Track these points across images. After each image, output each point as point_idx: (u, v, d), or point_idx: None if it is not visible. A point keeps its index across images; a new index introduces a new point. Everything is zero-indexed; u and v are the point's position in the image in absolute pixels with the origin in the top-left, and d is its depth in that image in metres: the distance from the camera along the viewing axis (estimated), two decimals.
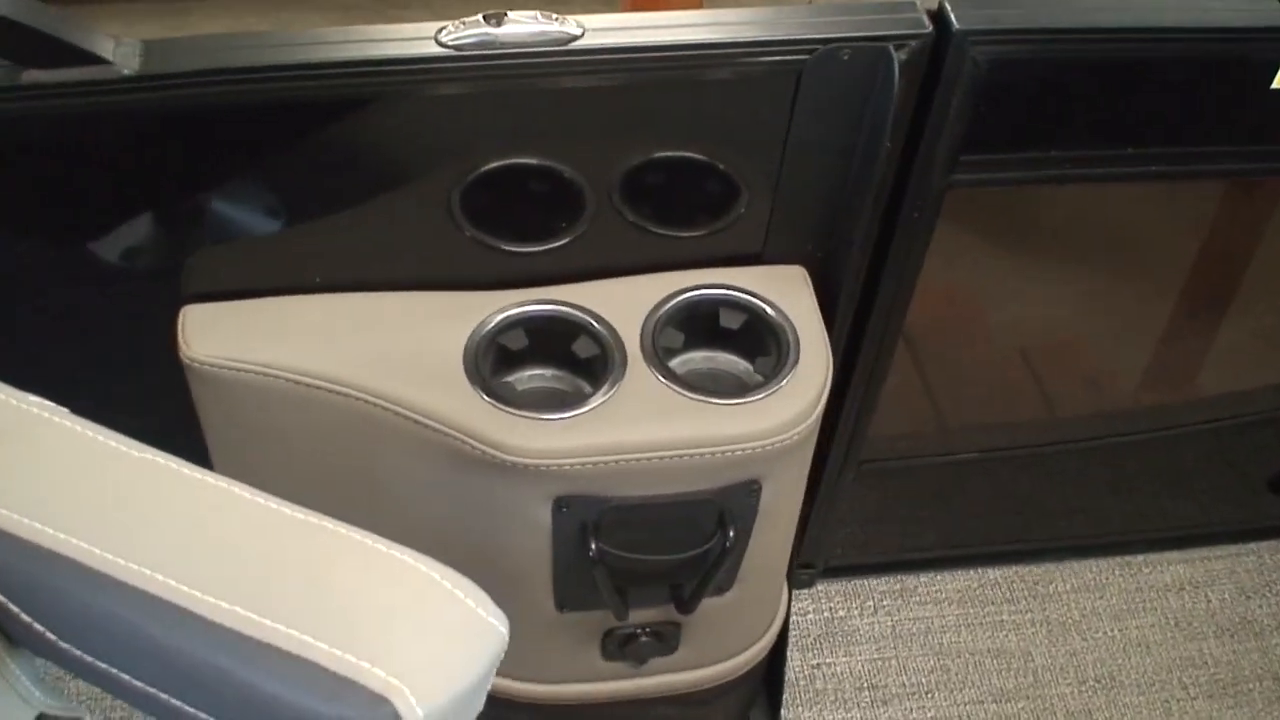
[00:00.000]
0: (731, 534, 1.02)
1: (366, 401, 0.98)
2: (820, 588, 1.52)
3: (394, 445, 1.00)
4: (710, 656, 1.24)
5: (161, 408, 1.02)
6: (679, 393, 0.99)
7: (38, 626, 0.65)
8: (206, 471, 0.68)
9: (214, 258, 1.02)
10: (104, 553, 0.63)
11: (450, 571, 0.64)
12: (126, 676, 0.65)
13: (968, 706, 1.44)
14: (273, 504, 0.66)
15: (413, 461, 1.01)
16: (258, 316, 1.01)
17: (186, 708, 0.64)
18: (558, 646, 1.18)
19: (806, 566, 1.49)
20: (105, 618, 0.63)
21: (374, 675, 0.59)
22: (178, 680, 0.63)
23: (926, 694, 1.44)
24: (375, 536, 0.65)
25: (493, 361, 1.02)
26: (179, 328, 1.00)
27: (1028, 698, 1.45)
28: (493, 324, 1.01)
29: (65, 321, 1.05)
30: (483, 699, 0.67)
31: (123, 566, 0.62)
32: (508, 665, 1.21)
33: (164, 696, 0.65)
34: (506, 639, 0.64)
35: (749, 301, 1.03)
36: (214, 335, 1.00)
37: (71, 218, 0.97)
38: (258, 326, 1.01)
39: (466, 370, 0.99)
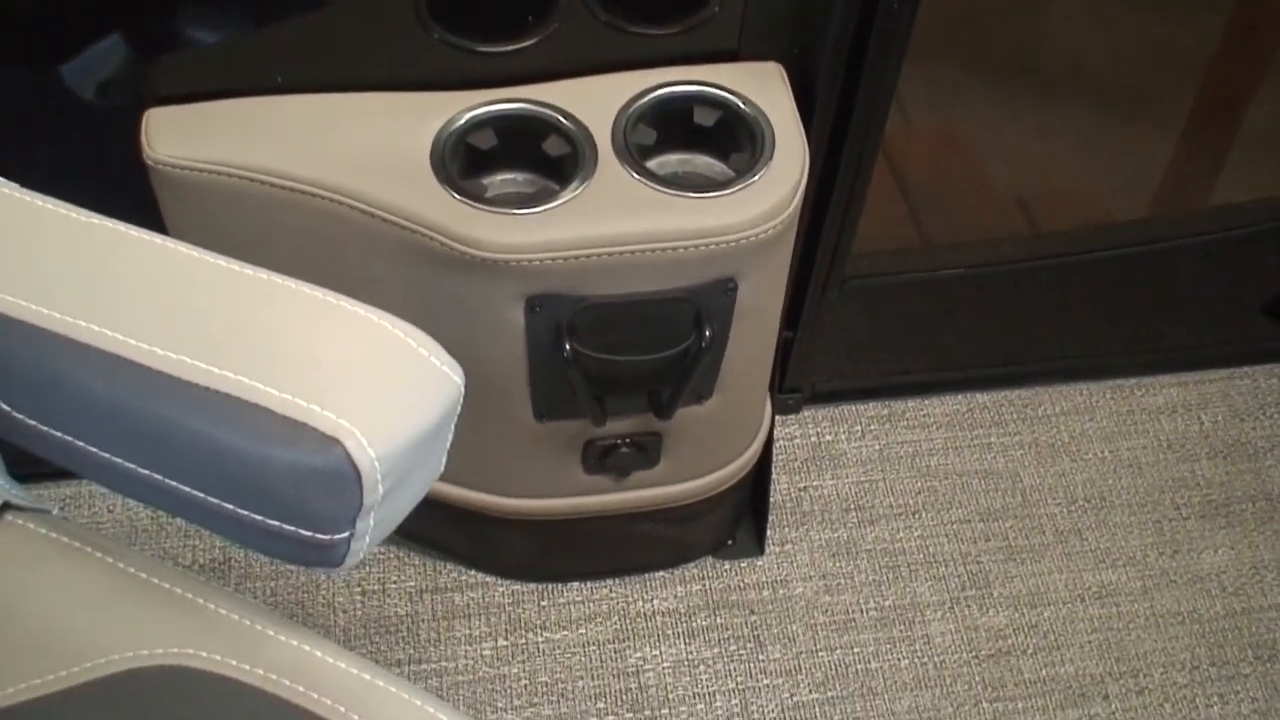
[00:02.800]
0: (708, 334, 1.02)
1: (333, 200, 0.98)
2: (807, 413, 1.53)
3: (362, 247, 1.00)
4: (692, 471, 1.25)
5: (127, 218, 1.02)
6: (651, 187, 0.98)
7: None
8: (155, 233, 0.68)
9: (177, 60, 1.01)
10: (49, 310, 0.63)
11: (402, 322, 0.64)
12: (81, 444, 0.66)
13: (955, 525, 1.45)
14: (221, 261, 0.66)
15: (382, 263, 1.01)
16: (222, 117, 1.01)
17: (141, 470, 0.65)
18: (539, 459, 1.19)
19: (793, 391, 1.50)
20: (54, 378, 0.63)
21: (324, 418, 0.60)
22: (130, 440, 0.64)
23: (914, 514, 1.46)
24: (325, 290, 0.65)
25: (462, 163, 1.01)
26: (142, 130, 1.00)
27: (1016, 517, 1.46)
28: (461, 122, 1.01)
29: (27, 129, 1.05)
30: (441, 457, 0.68)
31: (68, 323, 0.63)
32: (492, 480, 1.23)
33: (119, 461, 0.65)
34: (461, 389, 0.65)
35: (723, 97, 1.03)
36: (177, 136, 0.99)
37: (32, 23, 0.96)
38: (222, 127, 1.00)
39: (434, 169, 0.98)
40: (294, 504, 0.61)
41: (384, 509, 0.63)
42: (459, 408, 0.65)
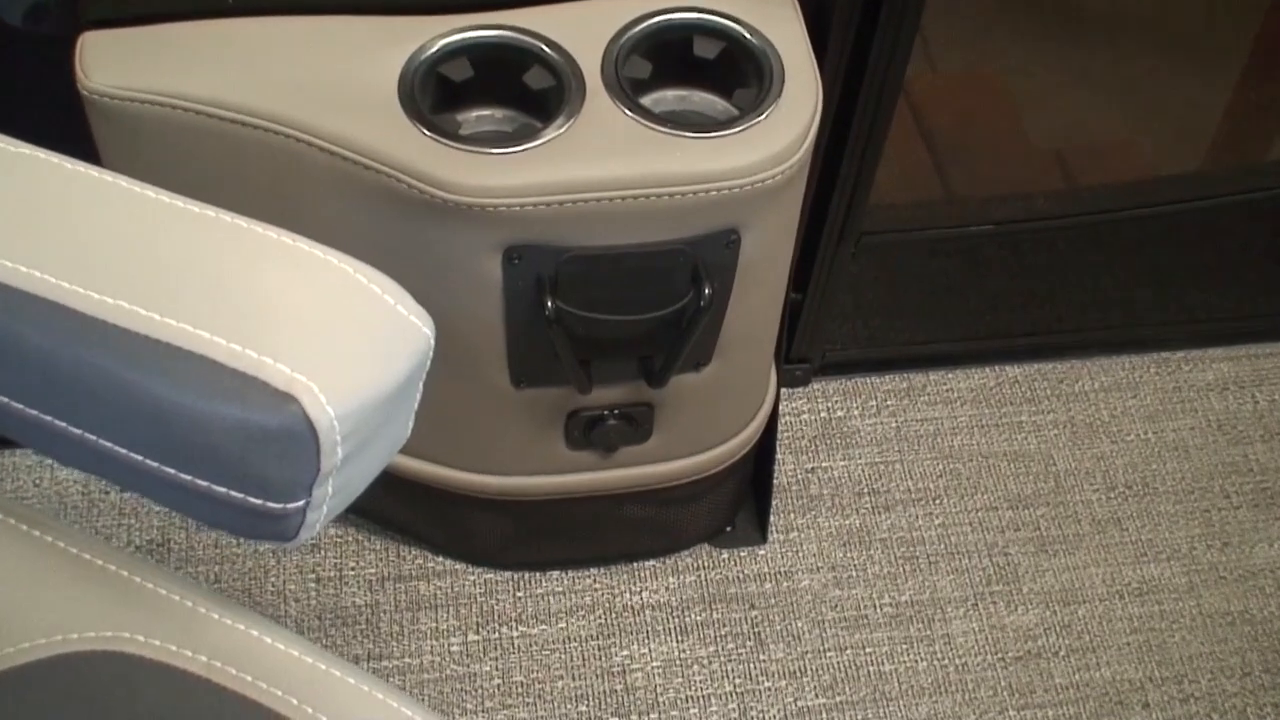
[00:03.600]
0: (707, 291, 1.02)
1: (287, 136, 0.98)
2: (816, 386, 1.53)
3: (319, 189, 1.00)
4: (688, 447, 1.26)
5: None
6: (645, 125, 0.98)
7: None
8: (91, 166, 0.68)
9: None
10: None
11: (366, 266, 0.64)
12: (4, 399, 0.66)
13: (980, 513, 1.46)
14: (163, 196, 0.66)
15: (341, 208, 1.01)
16: (165, 42, 1.00)
17: (73, 430, 0.65)
18: (516, 431, 1.19)
19: (801, 362, 1.50)
20: None
21: (277, 371, 0.60)
22: (59, 395, 0.64)
23: (934, 499, 1.46)
24: (280, 229, 0.65)
25: (433, 97, 1.01)
26: (76, 56, 0.99)
27: (1048, 504, 1.47)
28: (432, 50, 1.00)
29: None
30: (408, 419, 0.68)
31: None
32: (463, 455, 1.24)
33: (47, 419, 0.65)
34: (432, 341, 0.65)
35: (727, 26, 1.02)
36: (116, 64, 0.99)
37: None
38: (165, 53, 1.00)
39: (402, 102, 0.98)
40: (243, 468, 0.61)
41: (344, 475, 0.63)
42: (429, 362, 0.66)
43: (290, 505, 0.63)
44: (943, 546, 1.44)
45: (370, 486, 0.68)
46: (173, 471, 0.63)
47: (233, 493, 0.62)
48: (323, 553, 1.39)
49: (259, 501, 0.63)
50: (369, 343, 0.63)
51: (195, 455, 0.62)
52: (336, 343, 0.61)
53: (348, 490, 0.65)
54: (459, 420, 1.19)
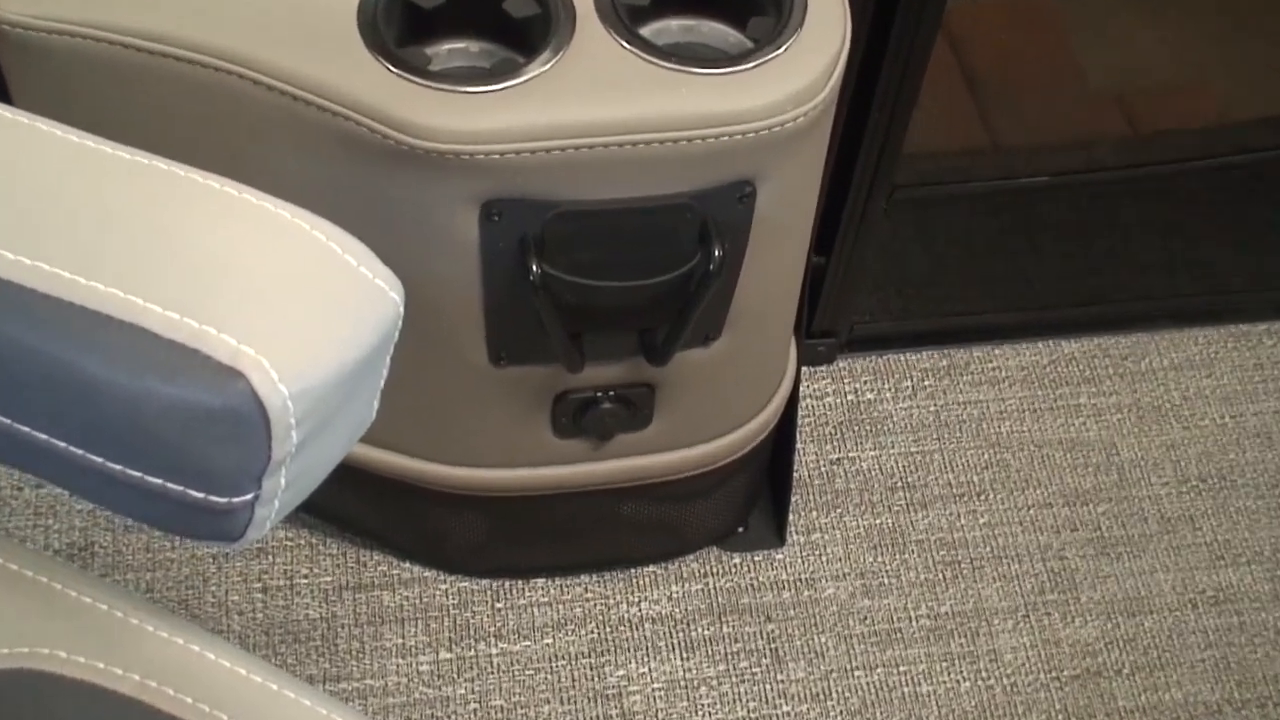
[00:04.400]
0: (717, 253, 1.02)
1: (229, 72, 0.97)
2: (843, 364, 1.53)
3: (266, 135, 1.00)
4: (694, 434, 1.26)
5: None
6: (645, 60, 0.98)
7: None
8: (4, 105, 0.67)
9: None
10: None
11: (323, 222, 0.64)
12: None
13: (1032, 511, 1.46)
14: (88, 141, 0.65)
15: (292, 156, 1.00)
16: None
17: None
18: (496, 416, 1.19)
19: (825, 336, 1.50)
20: None
21: (222, 343, 0.59)
22: None
23: (979, 495, 1.46)
24: (224, 179, 0.64)
25: (399, 27, 1.01)
26: None
27: (1110, 500, 1.47)
28: None
29: None
30: (372, 399, 0.68)
31: None
32: (434, 444, 1.23)
33: None
34: (400, 308, 0.64)
35: None
36: None
37: None
38: None
39: (363, 32, 0.98)
40: (181, 456, 0.61)
41: (299, 464, 0.63)
42: (397, 334, 0.65)
43: (236, 499, 0.63)
44: (988, 549, 1.44)
45: (327, 481, 0.68)
46: (100, 460, 0.63)
47: (169, 485, 0.62)
48: (270, 558, 1.39)
49: (200, 495, 0.62)
50: (328, 310, 0.62)
51: (126, 441, 0.62)
52: (290, 310, 0.61)
53: (304, 482, 0.65)
54: (428, 403, 1.18)
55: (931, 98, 1.30)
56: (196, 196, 0.64)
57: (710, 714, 1.34)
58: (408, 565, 1.39)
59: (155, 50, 0.98)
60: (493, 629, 1.36)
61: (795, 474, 1.44)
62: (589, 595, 1.39)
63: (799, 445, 1.45)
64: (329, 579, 1.38)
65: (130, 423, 0.61)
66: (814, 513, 1.44)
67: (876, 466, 1.47)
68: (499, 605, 1.38)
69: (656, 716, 1.33)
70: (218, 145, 1.01)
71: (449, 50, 1.04)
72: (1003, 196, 1.42)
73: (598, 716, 1.33)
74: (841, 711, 1.35)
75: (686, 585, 1.40)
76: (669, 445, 1.25)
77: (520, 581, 1.39)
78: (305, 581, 1.38)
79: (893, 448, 1.49)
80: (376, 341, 0.64)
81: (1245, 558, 1.45)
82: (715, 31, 1.05)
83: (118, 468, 0.63)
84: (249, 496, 0.63)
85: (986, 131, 1.43)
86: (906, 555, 1.43)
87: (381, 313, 0.64)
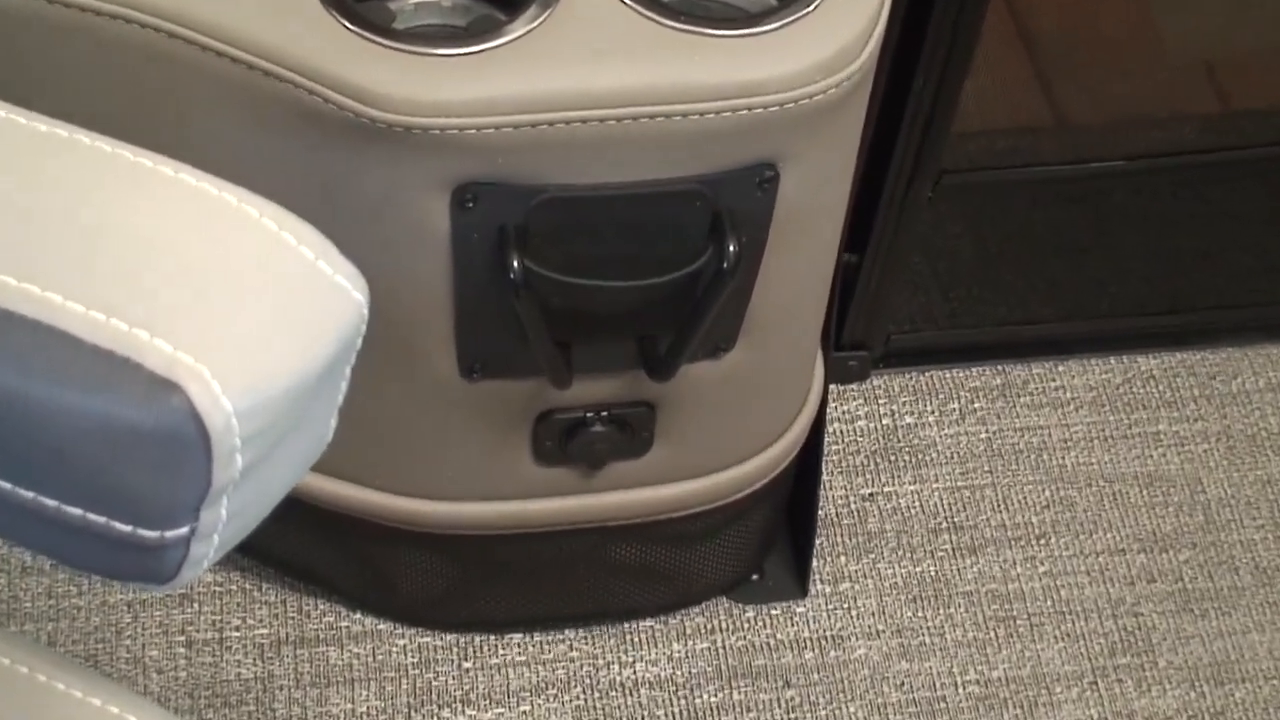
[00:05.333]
0: (732, 249, 1.02)
1: (155, 30, 0.98)
2: (878, 381, 1.53)
3: (202, 107, 1.00)
4: (701, 463, 1.26)
5: None
6: (649, 18, 0.98)
7: None
8: None
9: None
10: None
11: (274, 206, 0.64)
12: None
13: (1101, 558, 1.46)
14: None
15: (231, 134, 1.01)
16: None
17: None
18: (466, 441, 1.19)
19: (857, 348, 1.51)
20: None
21: (155, 349, 0.59)
22: None
23: (1039, 539, 1.47)
24: (158, 156, 0.65)
25: None
26: None
27: (1194, 546, 1.48)
28: None
29: None
30: (329, 417, 0.68)
31: None
32: (392, 473, 1.24)
33: None
34: (365, 310, 0.65)
35: None
36: None
37: None
38: None
39: None
40: (106, 482, 0.61)
41: (243, 493, 0.63)
42: (360, 339, 0.66)
43: (169, 534, 0.63)
44: (1049, 603, 1.44)
45: (268, 516, 0.68)
46: (8, 487, 0.63)
47: (91, 516, 0.62)
48: (196, 606, 1.39)
49: (127, 529, 0.63)
50: (281, 311, 0.62)
51: (39, 465, 0.62)
52: (236, 311, 0.61)
53: (248, 514, 0.65)
54: (386, 424, 1.19)
55: (986, 66, 1.30)
56: (126, 176, 0.64)
57: None
58: (359, 616, 1.39)
59: (74, 4, 0.98)
60: (459, 693, 1.37)
61: (820, 511, 1.44)
62: (574, 654, 1.39)
63: (825, 477, 1.45)
64: (265, 632, 1.38)
65: (45, 443, 0.61)
66: (842, 558, 1.45)
67: (917, 503, 1.48)
68: (467, 665, 1.38)
69: None
70: (144, 116, 1.01)
71: (416, 5, 1.05)
72: (1069, 184, 1.42)
73: None
74: None
75: (690, 643, 1.40)
76: (671, 476, 1.26)
77: (493, 637, 1.39)
78: (237, 635, 1.38)
79: (936, 481, 1.49)
80: (337, 348, 0.64)
81: None
82: None
83: (28, 495, 0.63)
84: (184, 530, 0.63)
85: (1050, 106, 1.44)
86: (952, 610, 1.43)
87: (343, 315, 0.64)
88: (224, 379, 0.60)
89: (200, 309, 0.61)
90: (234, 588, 1.40)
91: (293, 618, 1.39)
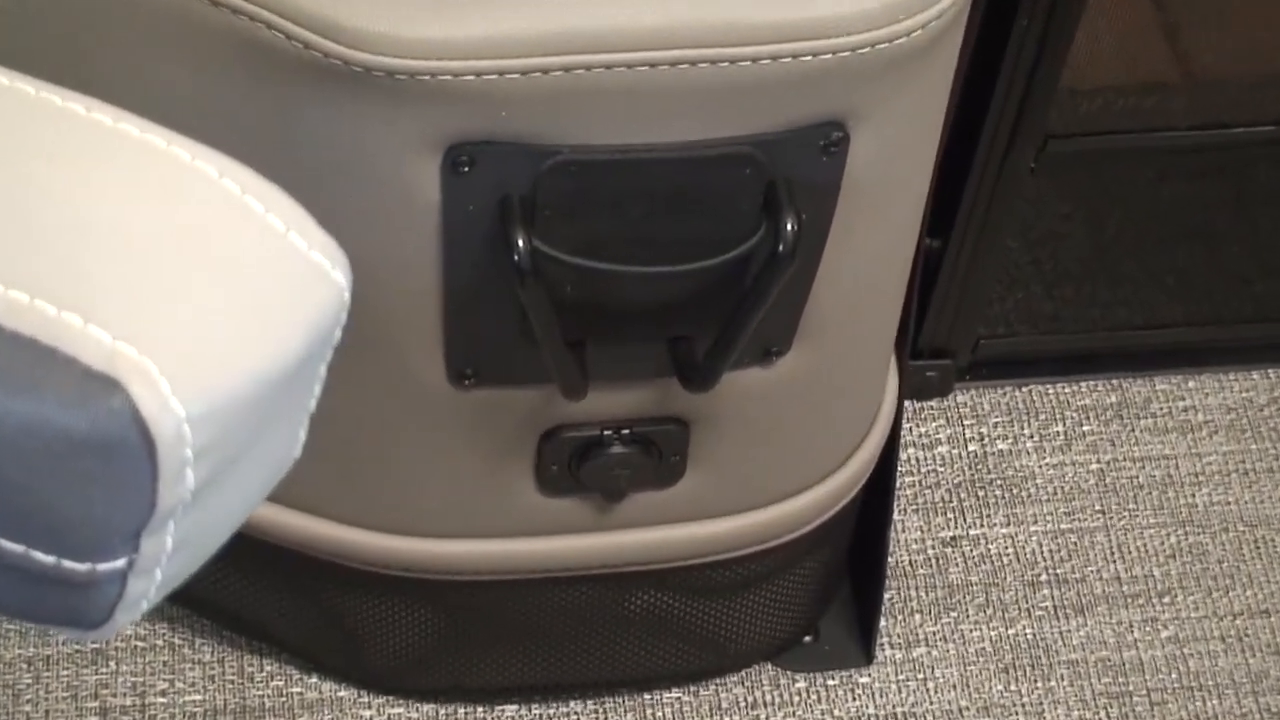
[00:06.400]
0: (790, 227, 1.03)
1: None
2: (963, 397, 1.54)
3: (142, 47, 1.01)
4: (743, 496, 1.27)
5: None
6: None
7: None
8: None
9: None
10: None
11: (237, 166, 0.64)
12: None
13: (1239, 620, 1.47)
14: None
15: (178, 79, 1.02)
16: None
17: None
18: (453, 462, 1.20)
19: (939, 355, 1.51)
20: None
21: (90, 338, 0.60)
22: None
23: (1161, 596, 1.47)
24: (95, 101, 0.65)
25: None
26: None
27: None
28: None
29: None
30: (298, 426, 0.69)
31: None
32: (362, 504, 1.24)
33: None
34: (346, 295, 0.66)
35: None
36: None
37: None
38: None
39: None
40: (25, 501, 0.61)
41: (194, 518, 0.64)
42: (340, 331, 0.66)
43: (101, 566, 0.63)
44: (1174, 676, 1.45)
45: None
46: None
47: (7, 544, 0.63)
48: (113, 665, 1.40)
49: (49, 560, 0.63)
50: (245, 295, 0.63)
51: None
52: (190, 293, 0.62)
53: (198, 545, 0.66)
54: (355, 441, 1.19)
55: (1102, 10, 1.31)
56: (55, 126, 0.65)
57: None
58: (314, 680, 1.40)
59: None
60: None
61: (891, 559, 1.45)
62: None
63: (897, 516, 1.46)
64: (197, 698, 1.39)
65: None
66: (917, 616, 1.45)
67: (1011, 550, 1.48)
68: None
69: None
70: (74, 58, 1.01)
71: None
72: (1202, 153, 1.43)
73: None
74: None
75: (727, 719, 1.40)
76: (706, 512, 1.27)
77: (480, 709, 1.40)
78: (162, 701, 1.39)
79: (1035, 523, 1.49)
80: (311, 341, 0.64)
81: None
82: None
83: None
84: (120, 563, 0.64)
85: (1178, 61, 1.44)
86: (1053, 682, 1.43)
87: (319, 299, 0.65)
88: (174, 376, 0.60)
89: (145, 290, 0.61)
90: (159, 643, 1.40)
91: (232, 681, 1.39)
